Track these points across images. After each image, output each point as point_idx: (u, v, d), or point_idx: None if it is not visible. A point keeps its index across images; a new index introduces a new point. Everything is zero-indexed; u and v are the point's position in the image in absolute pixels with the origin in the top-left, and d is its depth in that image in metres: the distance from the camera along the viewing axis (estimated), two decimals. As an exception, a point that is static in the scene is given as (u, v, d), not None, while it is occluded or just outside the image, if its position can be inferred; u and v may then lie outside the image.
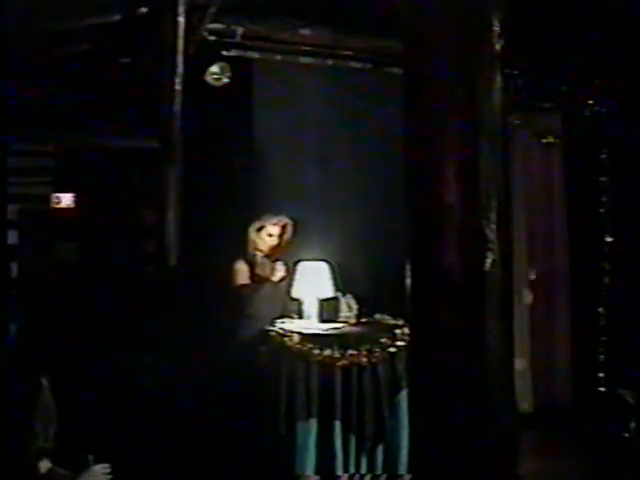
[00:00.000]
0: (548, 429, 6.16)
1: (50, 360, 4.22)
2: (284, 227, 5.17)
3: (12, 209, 6.86)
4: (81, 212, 6.77)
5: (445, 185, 2.11)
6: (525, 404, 6.44)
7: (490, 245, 2.09)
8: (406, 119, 2.25)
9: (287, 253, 5.20)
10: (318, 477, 4.67)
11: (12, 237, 6.87)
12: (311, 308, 5.10)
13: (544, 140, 6.65)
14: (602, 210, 6.57)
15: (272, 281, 5.06)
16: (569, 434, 6.06)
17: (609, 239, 6.56)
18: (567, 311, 6.74)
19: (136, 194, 6.43)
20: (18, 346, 4.70)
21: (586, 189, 6.65)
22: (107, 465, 3.78)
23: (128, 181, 6.37)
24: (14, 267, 6.76)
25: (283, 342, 4.76)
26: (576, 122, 6.58)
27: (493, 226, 2.10)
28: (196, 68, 5.45)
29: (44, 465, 3.64)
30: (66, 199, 6.87)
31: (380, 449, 4.79)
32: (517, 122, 6.33)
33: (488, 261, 2.09)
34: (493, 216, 2.11)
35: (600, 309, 6.56)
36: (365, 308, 5.28)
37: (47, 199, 6.85)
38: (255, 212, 5.25)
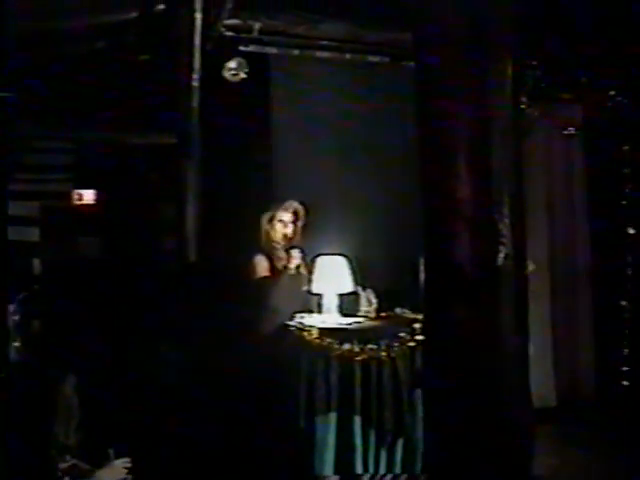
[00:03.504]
0: (571, 423, 6.12)
1: (72, 355, 4.24)
2: (295, 212, 5.15)
3: (33, 206, 6.94)
4: (101, 208, 6.83)
5: (457, 179, 2.10)
6: (548, 398, 6.39)
7: (503, 239, 2.08)
8: (418, 113, 2.24)
9: (304, 241, 5.18)
10: (338, 477, 4.67)
11: (33, 234, 6.95)
12: (331, 302, 5.09)
13: (565, 132, 6.59)
14: (624, 202, 6.50)
15: (289, 271, 5.03)
16: (592, 428, 6.01)
17: (632, 231, 6.48)
18: (590, 304, 6.68)
19: (155, 190, 6.46)
20: (40, 342, 4.74)
21: (608, 181, 6.57)
22: (127, 459, 3.81)
23: (147, 177, 6.40)
24: (36, 263, 6.84)
25: (302, 336, 4.76)
26: (598, 113, 6.50)
27: (506, 220, 2.09)
28: (214, 64, 5.46)
29: (66, 459, 3.68)
30: (87, 195, 6.94)
31: (400, 444, 4.78)
32: (537, 113, 6.26)
33: (501, 255, 2.08)
34: (506, 210, 2.10)
35: (623, 302, 6.49)
36: (385, 302, 5.26)
37: (68, 196, 6.92)
38: (273, 206, 5.25)
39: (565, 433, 5.81)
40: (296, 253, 5.07)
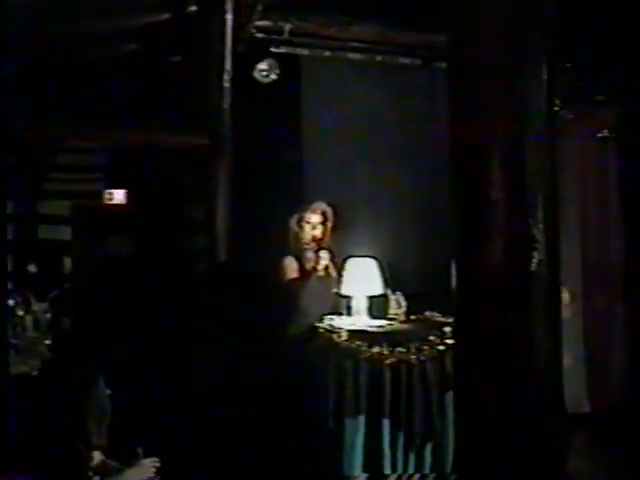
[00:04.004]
0: (604, 429, 6.04)
1: (103, 354, 4.28)
2: (324, 214, 5.14)
3: (65, 205, 7.02)
4: (133, 208, 6.88)
5: (490, 182, 2.07)
6: (581, 405, 6.32)
7: (536, 244, 2.05)
8: (451, 115, 2.22)
9: (334, 243, 5.17)
10: (366, 476, 4.65)
11: (65, 232, 7.03)
12: (360, 305, 5.07)
13: (599, 134, 6.51)
14: (659, 206, 6.39)
15: (318, 273, 5.03)
16: (625, 435, 5.92)
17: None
18: (623, 309, 6.59)
19: (187, 190, 6.49)
20: (72, 341, 4.80)
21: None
22: (156, 459, 3.83)
23: (179, 177, 6.44)
24: (67, 262, 6.92)
25: (331, 338, 4.74)
26: (633, 116, 6.41)
27: (540, 225, 2.06)
28: (245, 65, 5.48)
29: (96, 457, 3.70)
30: (118, 195, 7.00)
31: (429, 448, 4.75)
32: (571, 116, 6.19)
33: (534, 261, 2.05)
34: (540, 214, 2.07)
35: (657, 307, 6.38)
36: (414, 305, 5.23)
37: (100, 195, 6.98)
38: (302, 208, 5.25)
39: (598, 439, 5.73)
40: (324, 255, 5.06)
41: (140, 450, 3.83)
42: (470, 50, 2.15)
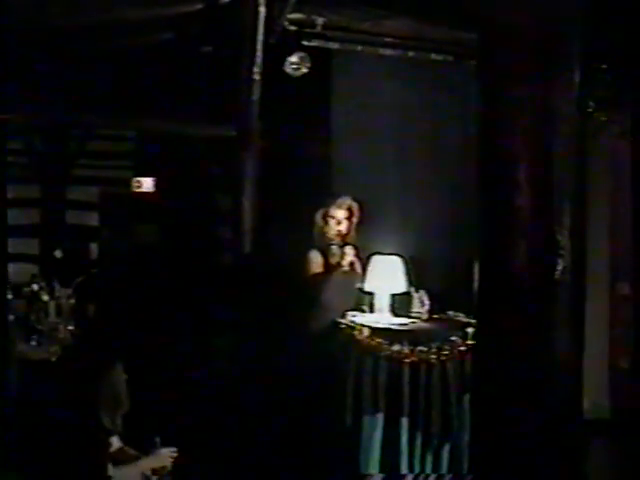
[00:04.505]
0: (625, 435, 5.97)
1: (126, 342, 4.30)
2: (350, 209, 5.12)
3: (93, 191, 7.07)
4: (161, 197, 6.90)
5: (516, 186, 2.05)
6: (602, 410, 6.25)
7: (561, 251, 2.02)
8: (479, 117, 2.19)
9: (359, 239, 5.15)
10: (382, 475, 4.64)
11: (93, 219, 7.08)
12: (383, 302, 5.05)
13: (632, 138, 6.41)
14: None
15: (343, 268, 5.02)
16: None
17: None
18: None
19: (215, 181, 6.50)
20: (94, 328, 4.82)
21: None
22: (174, 448, 3.85)
23: (207, 167, 6.45)
24: (94, 248, 6.96)
25: (353, 335, 4.73)
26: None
27: (565, 231, 2.03)
28: (277, 58, 5.46)
29: (115, 443, 3.73)
30: (147, 183, 7.03)
31: (446, 448, 4.72)
32: (604, 118, 6.11)
33: (559, 268, 2.02)
34: (566, 220, 2.04)
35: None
36: (438, 305, 5.20)
37: (128, 182, 7.02)
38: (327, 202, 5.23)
39: (618, 445, 5.66)
40: (350, 250, 5.05)
41: (158, 439, 3.86)
42: (501, 51, 2.12)
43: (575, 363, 2.06)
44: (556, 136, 2.04)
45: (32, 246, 6.80)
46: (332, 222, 5.14)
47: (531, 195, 2.03)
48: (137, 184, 6.98)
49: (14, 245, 5.53)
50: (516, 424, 2.09)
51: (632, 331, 6.39)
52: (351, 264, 5.09)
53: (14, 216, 5.85)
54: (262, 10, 5.06)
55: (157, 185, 6.94)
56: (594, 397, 5.89)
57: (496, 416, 2.14)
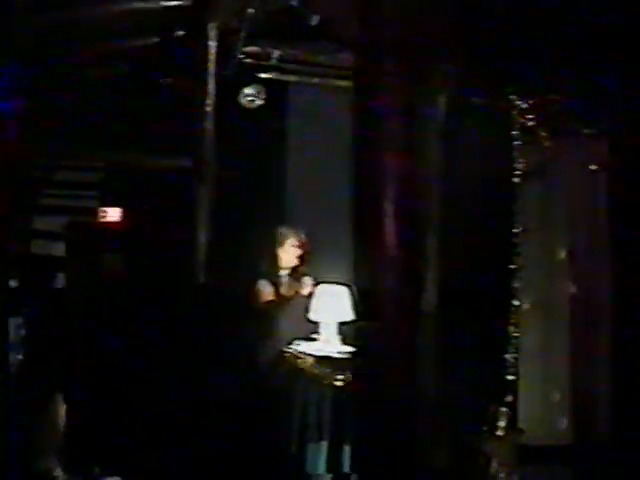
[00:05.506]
0: (585, 462, 5.94)
1: (65, 371, 4.33)
2: (302, 239, 5.22)
3: (60, 221, 7.11)
4: (125, 226, 6.95)
5: (383, 217, 2.10)
6: (563, 436, 6.24)
7: (426, 285, 2.07)
8: (355, 149, 2.26)
9: (308, 268, 5.21)
10: None
11: (59, 249, 7.12)
12: (330, 331, 5.08)
13: (590, 167, 6.45)
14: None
15: (294, 299, 5.07)
16: (608, 468, 5.82)
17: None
18: (609, 340, 6.50)
19: (175, 211, 6.55)
20: (37, 358, 4.84)
21: (633, 220, 6.39)
22: (118, 478, 3.87)
23: (166, 197, 6.49)
24: (61, 278, 7.00)
25: (297, 364, 4.77)
26: (624, 150, 6.35)
27: (430, 264, 2.08)
28: (232, 89, 5.55)
29: (58, 474, 3.75)
30: (112, 213, 7.07)
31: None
32: (561, 148, 6.15)
33: (423, 301, 2.07)
34: (431, 253, 2.09)
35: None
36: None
37: (94, 212, 7.06)
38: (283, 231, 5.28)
39: (577, 472, 5.65)
40: (309, 281, 5.13)
41: (97, 469, 3.88)
42: (371, 82, 2.19)
43: (438, 392, 2.11)
44: (422, 168, 2.10)
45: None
46: (285, 252, 5.20)
47: (396, 227, 2.09)
48: (103, 214, 7.02)
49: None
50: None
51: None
52: (310, 295, 5.14)
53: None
54: (212, 44, 5.16)
55: (123, 215, 6.98)
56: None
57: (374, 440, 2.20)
